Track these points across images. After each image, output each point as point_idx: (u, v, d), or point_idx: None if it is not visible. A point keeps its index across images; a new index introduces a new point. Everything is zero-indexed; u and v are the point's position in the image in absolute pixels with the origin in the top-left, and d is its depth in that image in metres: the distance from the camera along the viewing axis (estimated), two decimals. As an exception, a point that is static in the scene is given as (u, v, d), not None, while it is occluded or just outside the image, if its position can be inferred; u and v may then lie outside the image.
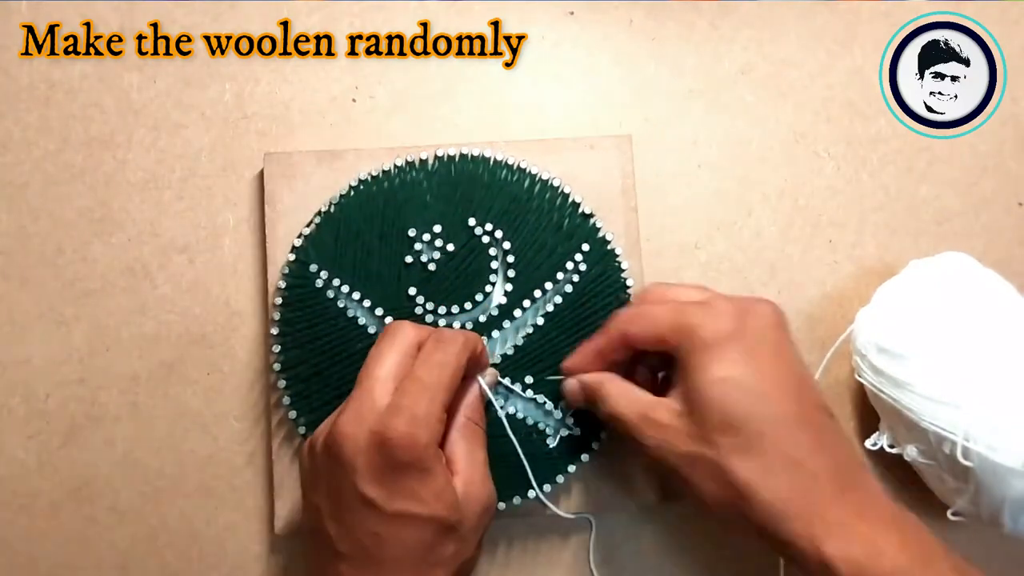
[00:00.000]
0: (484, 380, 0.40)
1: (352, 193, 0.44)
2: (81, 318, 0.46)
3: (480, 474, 0.37)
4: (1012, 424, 0.37)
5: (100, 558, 0.44)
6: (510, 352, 0.43)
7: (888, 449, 0.43)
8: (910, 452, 0.41)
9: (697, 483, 0.36)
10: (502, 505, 0.42)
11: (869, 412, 0.45)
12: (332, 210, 0.44)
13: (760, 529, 0.35)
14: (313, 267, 0.43)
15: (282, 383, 0.43)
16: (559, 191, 0.45)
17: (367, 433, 0.34)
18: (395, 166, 0.45)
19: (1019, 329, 0.40)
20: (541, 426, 0.43)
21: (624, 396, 0.39)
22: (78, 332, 0.45)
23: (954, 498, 0.40)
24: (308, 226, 0.44)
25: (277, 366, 0.43)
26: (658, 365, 0.41)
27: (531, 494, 0.42)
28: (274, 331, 0.43)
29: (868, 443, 0.43)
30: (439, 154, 0.45)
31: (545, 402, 0.43)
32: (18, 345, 0.45)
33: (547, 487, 0.42)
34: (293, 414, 0.43)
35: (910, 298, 0.42)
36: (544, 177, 0.45)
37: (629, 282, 0.45)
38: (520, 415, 0.43)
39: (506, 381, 0.43)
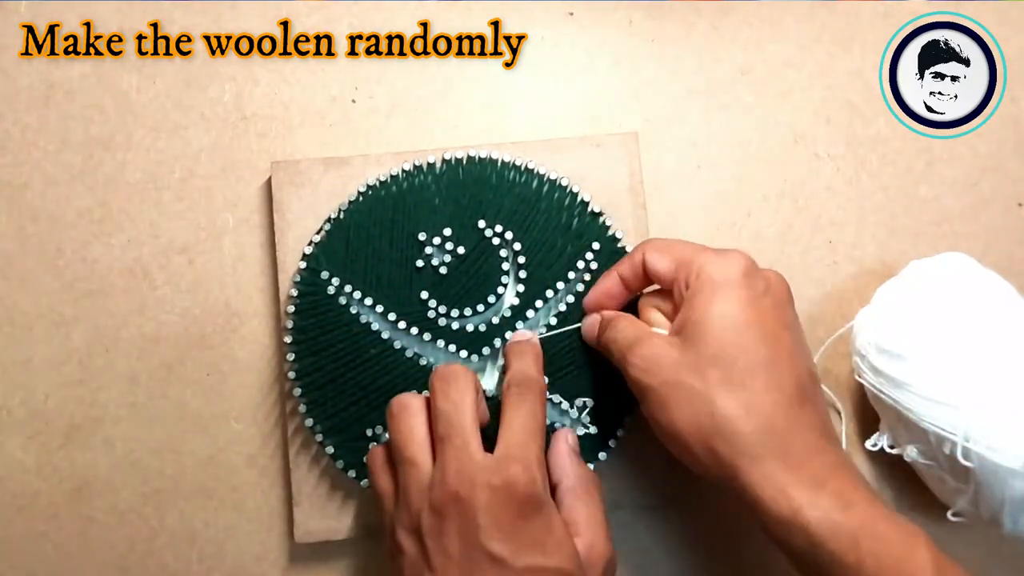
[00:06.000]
0: (570, 439, 0.41)
1: (361, 199, 0.44)
2: (81, 319, 0.46)
3: (603, 534, 0.37)
4: (1012, 424, 0.37)
5: (99, 559, 0.44)
6: (522, 352, 0.43)
7: (888, 450, 0.43)
8: (910, 453, 0.41)
9: (674, 409, 0.36)
10: None
11: (869, 412, 0.45)
12: (341, 216, 0.44)
13: (729, 466, 0.35)
14: (324, 274, 0.43)
15: (297, 391, 0.43)
16: (567, 191, 0.45)
17: (487, 488, 0.34)
18: (403, 170, 0.45)
19: (1019, 329, 0.40)
20: (557, 425, 0.43)
21: (628, 325, 0.40)
22: (78, 333, 0.45)
23: (954, 499, 0.40)
24: (318, 233, 0.44)
25: (292, 374, 0.43)
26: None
27: None
28: (287, 339, 0.43)
29: (868, 444, 0.43)
30: (446, 157, 0.45)
31: (561, 402, 0.43)
32: (18, 346, 0.45)
33: None
34: (310, 422, 0.43)
35: (910, 298, 0.42)
36: (552, 177, 0.45)
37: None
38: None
39: None
